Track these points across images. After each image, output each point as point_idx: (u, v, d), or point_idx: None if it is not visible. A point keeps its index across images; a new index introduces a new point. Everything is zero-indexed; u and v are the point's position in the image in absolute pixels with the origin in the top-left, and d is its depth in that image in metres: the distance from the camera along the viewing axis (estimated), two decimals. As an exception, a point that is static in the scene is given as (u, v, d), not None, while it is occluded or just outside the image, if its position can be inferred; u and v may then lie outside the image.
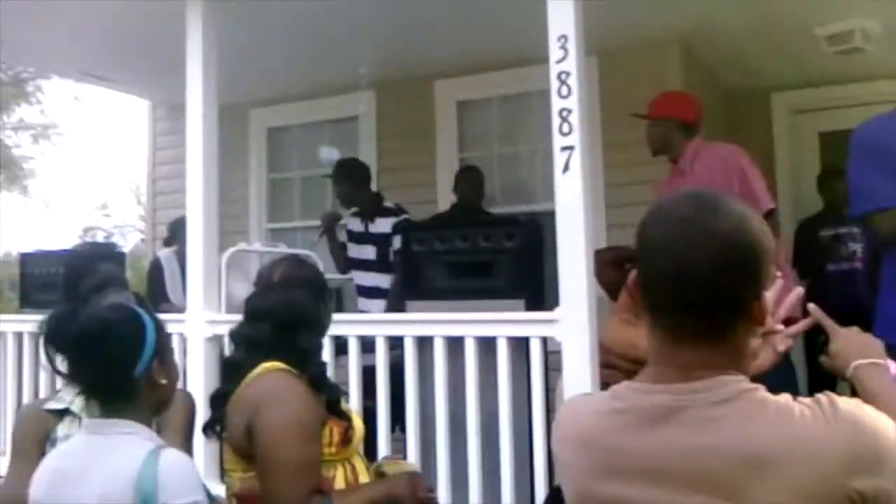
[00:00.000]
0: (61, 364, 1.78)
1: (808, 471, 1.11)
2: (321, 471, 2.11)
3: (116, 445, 1.71)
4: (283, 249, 4.98)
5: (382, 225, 5.09)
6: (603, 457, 1.23)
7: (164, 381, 1.84)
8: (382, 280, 4.98)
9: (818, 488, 1.11)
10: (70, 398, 2.41)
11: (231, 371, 2.25)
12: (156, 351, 1.81)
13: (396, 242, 4.81)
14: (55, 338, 1.76)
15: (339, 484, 2.15)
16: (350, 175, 5.29)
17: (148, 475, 1.62)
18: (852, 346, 1.50)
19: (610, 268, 3.73)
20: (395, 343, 3.61)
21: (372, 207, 5.18)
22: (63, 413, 2.40)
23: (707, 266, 1.19)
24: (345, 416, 2.21)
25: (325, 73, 6.07)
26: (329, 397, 2.18)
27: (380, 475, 2.33)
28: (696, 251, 1.19)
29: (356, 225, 5.21)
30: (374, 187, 5.71)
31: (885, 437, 1.16)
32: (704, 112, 4.36)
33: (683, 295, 1.21)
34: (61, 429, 2.36)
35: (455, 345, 3.43)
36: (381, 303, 4.90)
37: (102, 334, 1.76)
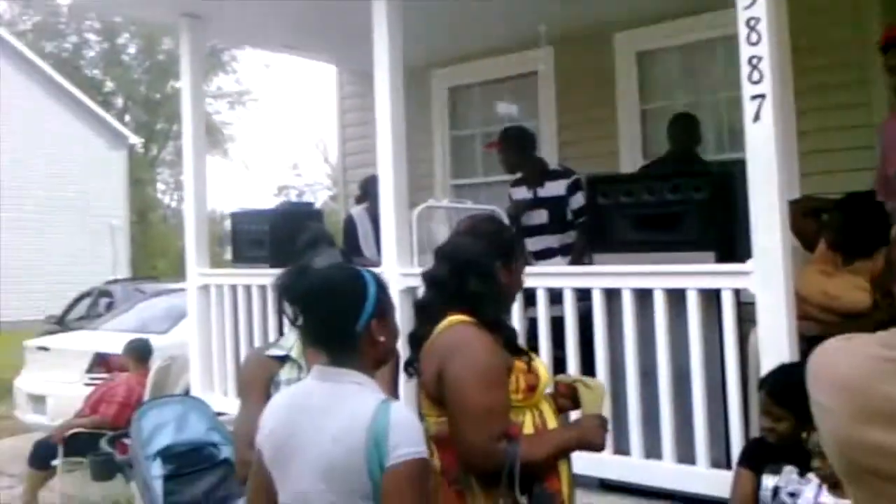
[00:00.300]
0: (293, 315, 1.99)
1: None
2: (508, 417, 2.17)
3: (351, 393, 1.88)
4: (470, 205, 5.16)
5: (553, 188, 5.09)
6: (866, 402, 1.17)
7: (382, 339, 1.97)
8: (553, 241, 5.03)
9: None
10: (289, 345, 2.63)
11: (421, 312, 2.41)
12: (375, 310, 1.94)
13: (576, 201, 4.86)
14: (287, 292, 1.97)
15: (528, 429, 2.23)
16: (518, 141, 5.29)
17: (381, 423, 1.78)
18: None
19: (805, 218, 3.62)
20: (583, 295, 3.69)
21: (539, 173, 5.22)
22: (283, 359, 2.61)
23: None
24: (526, 360, 2.28)
25: (504, 31, 6.14)
26: (507, 339, 2.28)
27: (561, 394, 2.41)
28: None
29: (522, 193, 5.23)
30: (554, 144, 5.76)
31: None
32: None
33: None
34: (283, 373, 2.58)
35: (643, 297, 3.47)
36: (557, 260, 4.97)
37: (327, 291, 1.94)
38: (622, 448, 3.52)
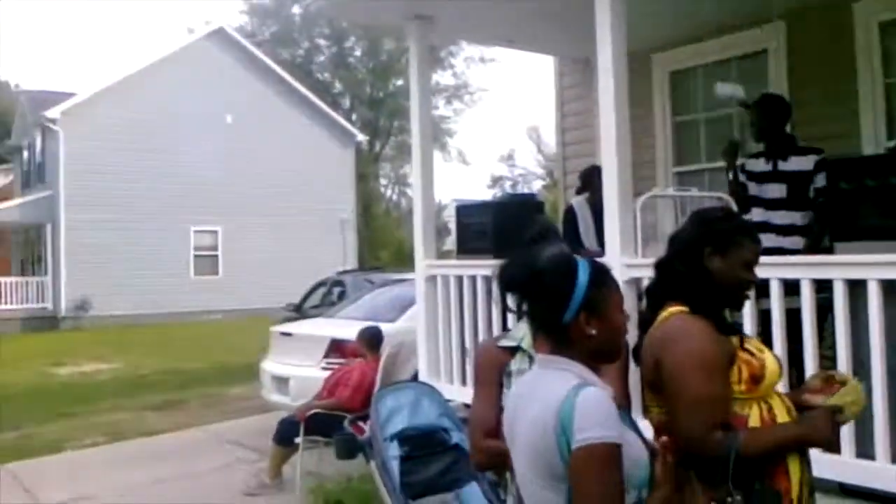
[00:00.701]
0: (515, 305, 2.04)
1: None
2: (728, 407, 2.13)
3: (553, 379, 1.90)
4: (695, 193, 5.01)
5: (798, 163, 4.78)
6: None
7: (594, 332, 1.92)
8: (797, 217, 4.74)
9: None
10: (520, 336, 2.66)
11: (648, 298, 2.40)
12: (585, 302, 1.90)
13: (820, 180, 4.56)
14: (498, 282, 2.03)
15: (754, 422, 2.16)
16: (775, 109, 4.97)
17: (567, 406, 1.78)
18: None
19: None
20: (820, 287, 3.48)
21: (785, 146, 4.93)
22: (515, 350, 2.65)
23: None
24: (739, 343, 2.21)
25: (729, 9, 5.88)
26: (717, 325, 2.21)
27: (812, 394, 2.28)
28: None
29: (759, 165, 4.92)
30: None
31: None
32: None
33: None
34: (514, 363, 2.62)
35: (892, 289, 3.22)
36: (797, 239, 4.70)
37: (530, 281, 1.96)
38: (866, 451, 3.28)
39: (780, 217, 4.69)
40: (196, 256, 24.68)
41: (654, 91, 7.04)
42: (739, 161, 5.04)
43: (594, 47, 4.48)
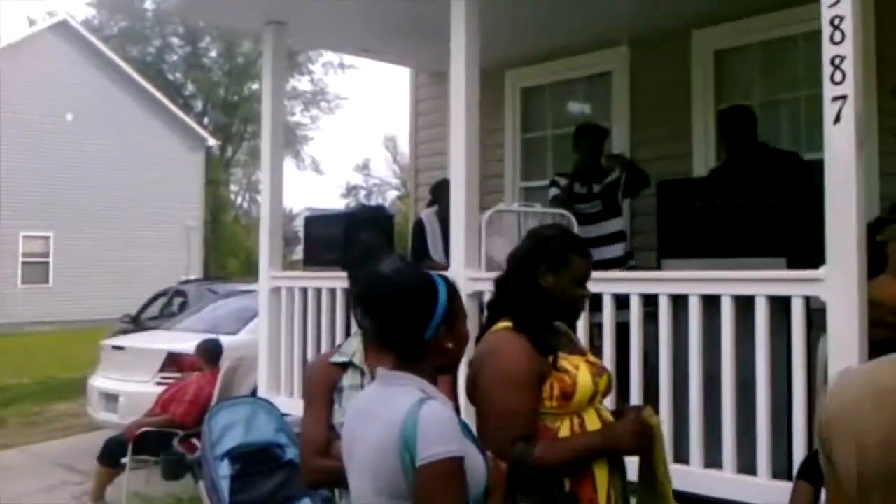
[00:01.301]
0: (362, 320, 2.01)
1: None
2: (533, 421, 2.19)
3: (395, 395, 1.88)
4: (539, 209, 5.12)
5: (608, 177, 5.35)
6: None
7: (450, 345, 1.97)
8: (616, 225, 5.27)
9: None
10: (351, 351, 2.65)
11: (486, 315, 2.47)
12: (445, 316, 1.94)
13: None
14: (361, 298, 2.03)
15: (564, 434, 2.23)
16: (600, 136, 5.49)
17: (410, 423, 1.78)
18: None
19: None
20: (649, 301, 3.61)
21: (599, 169, 5.40)
22: (346, 365, 2.63)
23: None
24: (553, 363, 2.26)
25: (578, 32, 6.07)
26: (535, 342, 2.26)
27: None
28: None
29: (576, 187, 5.36)
30: (626, 144, 5.69)
31: None
32: None
33: None
34: (346, 379, 2.59)
35: (711, 304, 3.38)
36: (619, 246, 5.19)
37: (399, 297, 1.95)
38: (682, 457, 3.44)
39: (600, 229, 5.09)
40: (24, 264, 23.01)
41: (505, 107, 7.16)
42: (554, 177, 5.53)
43: (449, 61, 4.52)
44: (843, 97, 3.04)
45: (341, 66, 35.63)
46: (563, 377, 2.25)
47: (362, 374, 2.57)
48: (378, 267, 2.53)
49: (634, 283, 3.74)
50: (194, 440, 4.18)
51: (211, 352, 6.24)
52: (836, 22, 3.07)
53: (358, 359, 2.61)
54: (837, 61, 3.07)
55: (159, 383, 6.67)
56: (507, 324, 2.31)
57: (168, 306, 11.54)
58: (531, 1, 5.41)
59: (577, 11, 5.62)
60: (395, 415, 1.81)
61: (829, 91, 3.07)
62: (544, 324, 2.34)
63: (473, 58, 4.45)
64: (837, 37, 3.07)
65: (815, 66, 3.23)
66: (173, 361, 6.89)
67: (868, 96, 4.09)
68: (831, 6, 3.09)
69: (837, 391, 1.35)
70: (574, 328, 2.53)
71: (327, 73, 39.65)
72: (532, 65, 6.90)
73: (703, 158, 5.81)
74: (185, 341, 6.98)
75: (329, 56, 34.03)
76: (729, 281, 3.32)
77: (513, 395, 2.18)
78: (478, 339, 2.40)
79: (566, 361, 2.30)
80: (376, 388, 1.98)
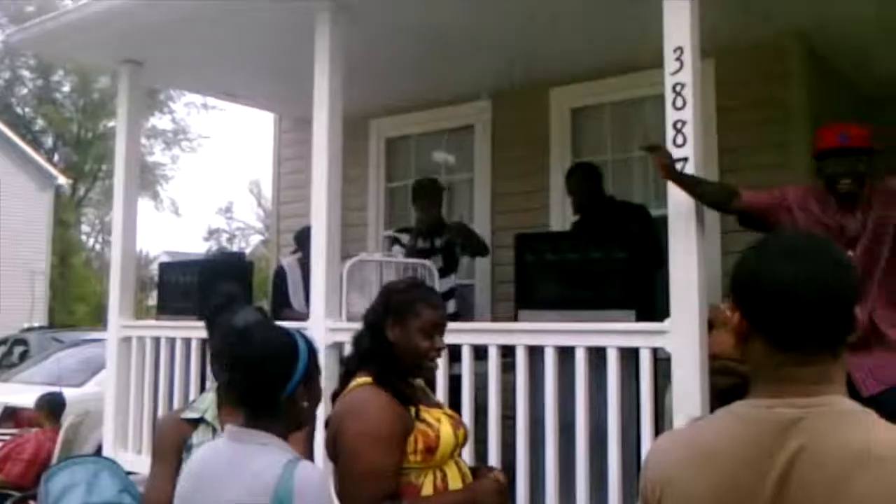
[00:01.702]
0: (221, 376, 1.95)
1: None
2: (394, 478, 2.19)
3: (255, 454, 1.84)
4: (401, 259, 5.14)
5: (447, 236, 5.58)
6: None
7: (305, 404, 1.97)
8: (448, 283, 5.39)
9: None
10: (204, 408, 2.58)
11: (344, 371, 2.48)
12: (304, 375, 1.95)
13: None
14: (222, 354, 1.95)
15: (427, 490, 2.24)
16: (438, 192, 5.72)
17: (285, 485, 1.74)
18: None
19: None
20: (506, 351, 3.68)
21: (441, 224, 5.62)
22: (198, 422, 2.56)
23: (844, 292, 1.33)
24: (415, 416, 2.29)
25: (442, 84, 6.20)
26: (395, 395, 2.28)
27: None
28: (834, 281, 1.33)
29: (419, 244, 5.52)
30: (487, 197, 5.85)
31: None
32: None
33: (817, 321, 1.31)
34: (196, 436, 2.52)
35: (566, 354, 3.48)
36: (453, 303, 5.31)
37: (262, 356, 1.94)
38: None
39: (441, 285, 5.12)
40: None
41: (369, 155, 7.19)
42: (394, 234, 5.77)
43: (312, 108, 4.51)
44: (685, 159, 3.24)
45: (205, 106, 34.84)
46: (427, 430, 2.26)
47: (214, 431, 2.50)
48: (235, 318, 2.50)
49: (492, 335, 3.80)
50: (31, 503, 3.88)
51: (52, 406, 5.87)
52: (678, 88, 3.27)
53: (210, 415, 2.54)
54: (679, 125, 3.26)
55: (-6, 440, 6.20)
56: (367, 379, 2.30)
57: (8, 355, 10.83)
58: (396, 53, 5.49)
59: (441, 65, 5.74)
60: (259, 477, 1.76)
61: (672, 153, 3.25)
62: (402, 378, 2.35)
63: (337, 106, 4.46)
64: (679, 102, 3.27)
65: (661, 127, 3.40)
66: (10, 416, 6.46)
67: (708, 158, 4.36)
68: (673, 73, 3.30)
69: (662, 457, 1.40)
70: (434, 381, 2.56)
71: (190, 112, 38.62)
72: (397, 115, 6.98)
73: (560, 212, 6.01)
74: (24, 394, 6.58)
75: (192, 96, 33.22)
76: (582, 332, 3.44)
77: (379, 454, 2.17)
78: (336, 394, 2.38)
79: (428, 414, 2.32)
80: (226, 446, 1.91)
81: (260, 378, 1.92)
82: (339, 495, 2.21)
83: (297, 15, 4.49)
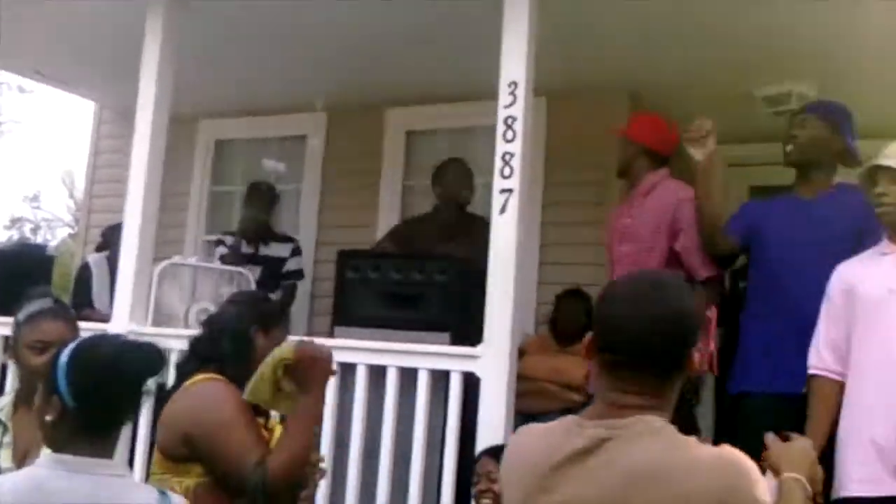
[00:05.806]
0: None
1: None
2: (267, 444, 2.30)
3: (119, 489, 1.67)
4: (217, 265, 4.96)
5: (277, 249, 5.51)
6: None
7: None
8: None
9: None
10: None
11: (177, 375, 2.50)
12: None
13: (293, 264, 5.46)
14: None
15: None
16: (272, 198, 5.68)
17: None
18: (786, 456, 1.73)
19: None
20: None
21: (268, 231, 5.56)
22: None
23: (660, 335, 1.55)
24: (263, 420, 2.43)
25: (278, 91, 6.07)
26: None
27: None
28: (652, 325, 1.55)
29: (242, 246, 5.46)
30: (314, 209, 5.76)
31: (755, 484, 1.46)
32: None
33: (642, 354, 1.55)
34: None
35: (379, 374, 3.46)
36: None
37: (118, 372, 1.74)
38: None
39: None
40: None
41: (196, 156, 6.91)
42: (220, 236, 5.66)
43: (137, 101, 4.28)
44: (510, 190, 3.32)
45: (20, 88, 32.33)
46: (265, 429, 2.40)
47: (4, 429, 2.40)
48: (27, 303, 2.47)
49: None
50: None
51: None
52: (509, 122, 3.36)
53: (4, 414, 2.43)
54: (507, 157, 3.34)
55: None
56: (211, 375, 2.36)
57: None
58: (232, 54, 5.33)
59: (276, 72, 5.63)
60: None
61: (498, 184, 3.33)
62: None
63: (164, 102, 4.25)
64: (509, 135, 3.35)
65: (492, 157, 3.47)
66: None
67: (534, 191, 4.52)
68: (506, 107, 3.38)
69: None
70: None
71: (2, 94, 35.75)
72: (228, 117, 6.76)
73: (386, 229, 6.02)
74: None
75: (7, 77, 30.79)
76: (395, 353, 3.43)
77: (244, 429, 2.26)
78: (167, 394, 2.40)
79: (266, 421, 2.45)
80: (68, 478, 1.62)
81: (118, 398, 1.76)
82: (223, 476, 2.23)
83: (128, -1, 4.26)
